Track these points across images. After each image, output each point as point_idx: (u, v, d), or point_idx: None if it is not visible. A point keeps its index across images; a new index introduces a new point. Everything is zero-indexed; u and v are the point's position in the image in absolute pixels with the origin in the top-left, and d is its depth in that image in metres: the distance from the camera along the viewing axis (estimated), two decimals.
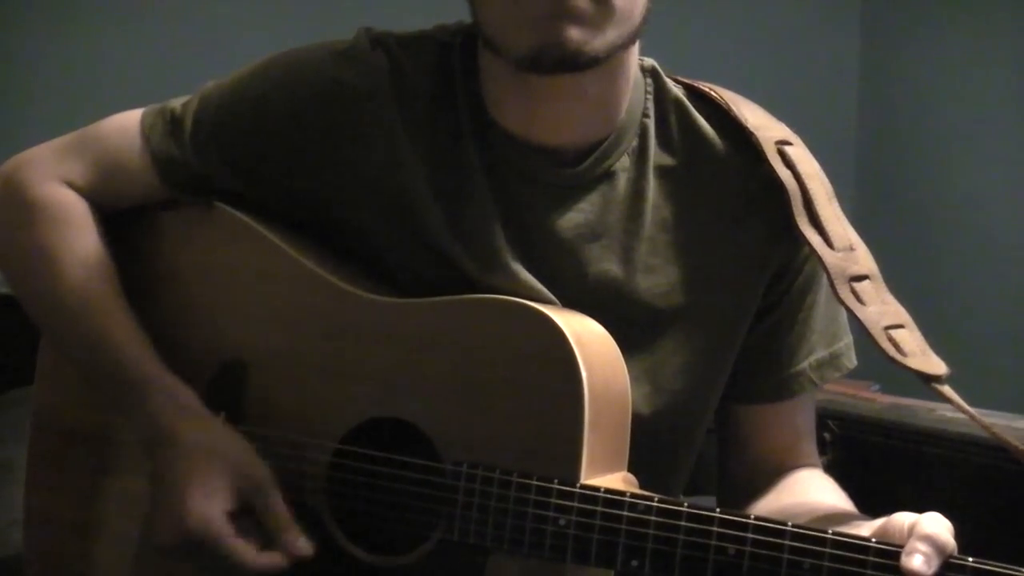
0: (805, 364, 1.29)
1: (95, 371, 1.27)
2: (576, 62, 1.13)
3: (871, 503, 1.22)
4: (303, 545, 1.16)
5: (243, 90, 1.27)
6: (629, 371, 1.18)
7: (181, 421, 1.20)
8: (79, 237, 1.29)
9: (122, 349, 1.24)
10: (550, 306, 1.16)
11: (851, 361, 1.32)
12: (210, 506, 1.15)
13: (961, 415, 2.04)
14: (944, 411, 2.09)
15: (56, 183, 1.31)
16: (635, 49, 1.23)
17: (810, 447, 1.35)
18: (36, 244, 1.29)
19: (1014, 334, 2.83)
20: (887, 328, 1.17)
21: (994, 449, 1.86)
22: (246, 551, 1.15)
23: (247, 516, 1.17)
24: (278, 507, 1.17)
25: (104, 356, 1.24)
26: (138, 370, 1.23)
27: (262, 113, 1.25)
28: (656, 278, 1.24)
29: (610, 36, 1.13)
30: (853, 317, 1.18)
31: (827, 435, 2.05)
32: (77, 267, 1.27)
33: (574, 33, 1.11)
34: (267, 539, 1.17)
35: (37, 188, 1.30)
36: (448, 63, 1.25)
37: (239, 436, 1.20)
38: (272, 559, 1.16)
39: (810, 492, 1.26)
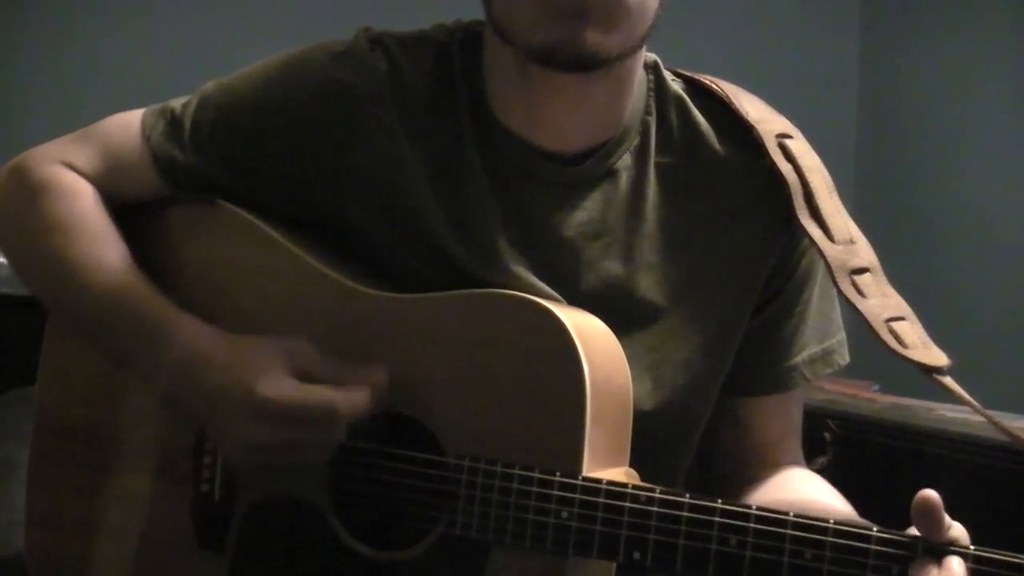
0: (799, 359, 1.29)
1: (112, 326, 1.26)
2: (588, 64, 1.13)
3: (871, 503, 1.22)
4: (373, 374, 1.14)
5: (242, 91, 1.27)
6: (631, 368, 1.18)
7: (212, 342, 1.19)
8: (86, 208, 1.29)
9: (143, 298, 1.24)
10: (552, 301, 1.16)
11: (843, 358, 1.31)
12: (271, 380, 1.13)
13: (961, 415, 2.04)
14: (944, 411, 2.08)
15: (61, 166, 1.31)
16: (641, 55, 1.23)
17: (796, 444, 1.34)
18: (44, 218, 1.29)
19: (1013, 333, 2.82)
20: (888, 320, 1.17)
21: (994, 449, 1.86)
22: (329, 394, 1.12)
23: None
24: (330, 358, 1.16)
25: (124, 307, 1.24)
26: (162, 313, 1.22)
27: (261, 114, 1.25)
28: (657, 276, 1.24)
29: (622, 37, 1.13)
30: (854, 310, 1.18)
31: (827, 435, 2.04)
32: (86, 233, 1.27)
33: (591, 35, 1.11)
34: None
35: (43, 170, 1.31)
36: (447, 62, 1.25)
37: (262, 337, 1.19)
38: (356, 393, 1.13)
39: (817, 496, 1.24)
